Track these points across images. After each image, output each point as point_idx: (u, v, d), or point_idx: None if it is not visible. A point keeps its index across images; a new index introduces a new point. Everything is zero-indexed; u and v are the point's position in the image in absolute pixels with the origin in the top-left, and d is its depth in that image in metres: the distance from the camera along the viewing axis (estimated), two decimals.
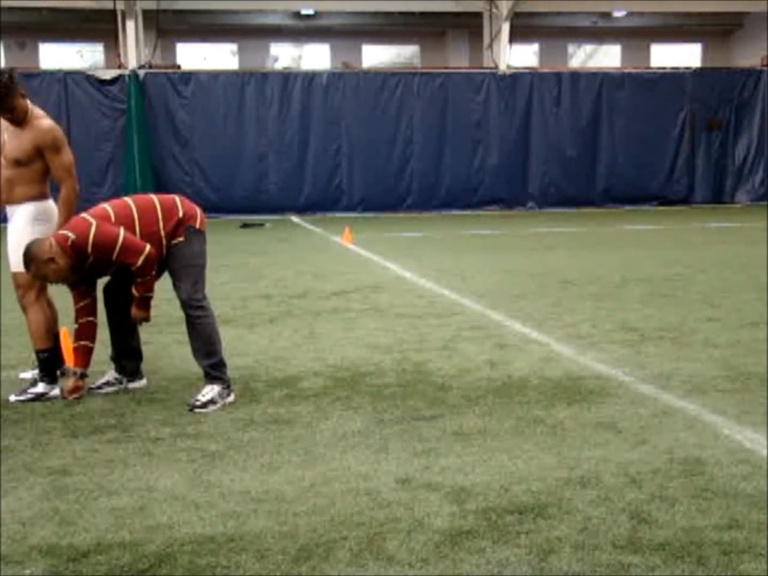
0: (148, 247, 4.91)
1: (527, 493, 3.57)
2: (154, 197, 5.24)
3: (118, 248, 4.86)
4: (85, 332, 5.21)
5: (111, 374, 5.42)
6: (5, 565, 3.01)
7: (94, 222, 4.91)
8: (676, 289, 8.87)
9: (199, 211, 5.29)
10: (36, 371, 5.42)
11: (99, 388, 5.33)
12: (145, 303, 5.08)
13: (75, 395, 5.16)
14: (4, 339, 6.89)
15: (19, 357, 6.28)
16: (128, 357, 5.42)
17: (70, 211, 5.21)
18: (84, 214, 5.01)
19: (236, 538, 3.18)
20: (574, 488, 3.61)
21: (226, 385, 5.05)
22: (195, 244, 5.12)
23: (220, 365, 5.08)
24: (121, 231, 4.90)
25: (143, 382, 5.45)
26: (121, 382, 5.38)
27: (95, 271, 5.12)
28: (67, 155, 5.26)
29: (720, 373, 5.50)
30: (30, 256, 4.90)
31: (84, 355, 5.21)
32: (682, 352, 6.12)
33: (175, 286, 5.10)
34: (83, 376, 5.21)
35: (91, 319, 5.21)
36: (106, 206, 5.09)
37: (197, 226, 5.16)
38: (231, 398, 5.02)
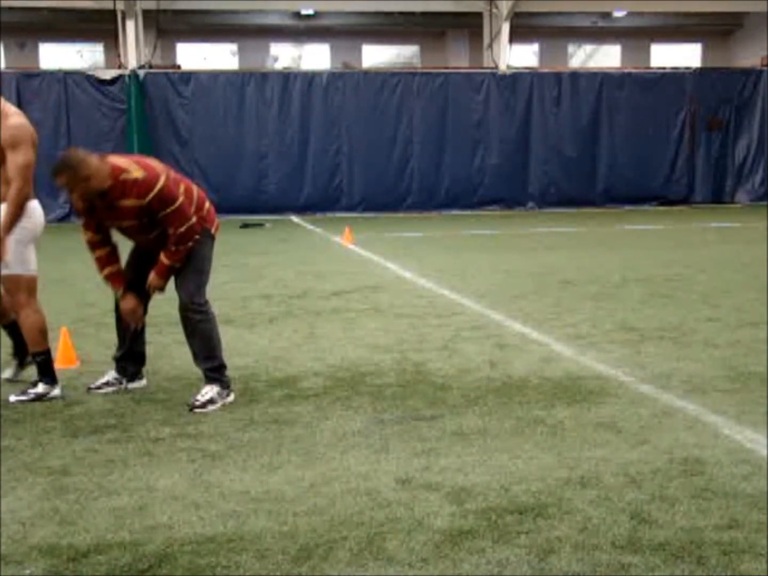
0: (195, 218, 4.91)
1: (527, 493, 3.57)
2: (192, 183, 5.20)
3: (172, 208, 4.82)
4: (109, 258, 5.12)
5: (111, 374, 5.39)
6: (5, 565, 3.01)
7: (163, 175, 4.86)
8: (676, 289, 8.87)
9: (216, 217, 5.29)
10: (16, 370, 5.44)
11: (98, 388, 5.31)
12: (168, 273, 4.99)
13: (136, 315, 5.17)
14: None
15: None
16: (132, 360, 5.40)
17: (11, 215, 4.91)
18: (152, 162, 4.98)
19: (236, 538, 3.18)
20: (574, 488, 3.61)
21: (226, 386, 5.04)
22: (206, 248, 5.09)
23: (220, 368, 5.06)
24: (181, 195, 4.89)
25: (143, 382, 5.43)
26: (120, 383, 5.35)
27: (127, 217, 4.90)
28: (24, 156, 4.93)
29: (720, 373, 5.50)
30: (69, 163, 4.71)
31: (118, 277, 5.12)
32: (682, 352, 6.12)
33: (178, 286, 5.05)
34: (126, 292, 5.13)
35: (108, 249, 5.11)
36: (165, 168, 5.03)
37: (212, 230, 5.16)
38: (231, 398, 5.02)
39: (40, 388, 5.16)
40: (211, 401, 4.90)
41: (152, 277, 5.01)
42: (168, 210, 4.83)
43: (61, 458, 4.09)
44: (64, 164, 4.74)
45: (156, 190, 4.79)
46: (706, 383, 5.26)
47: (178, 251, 4.92)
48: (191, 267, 5.01)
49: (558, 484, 3.66)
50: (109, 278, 5.13)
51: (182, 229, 4.86)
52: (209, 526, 3.30)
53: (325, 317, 7.66)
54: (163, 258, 4.94)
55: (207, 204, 5.18)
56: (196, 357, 5.07)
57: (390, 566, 2.96)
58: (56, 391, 5.19)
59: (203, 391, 4.97)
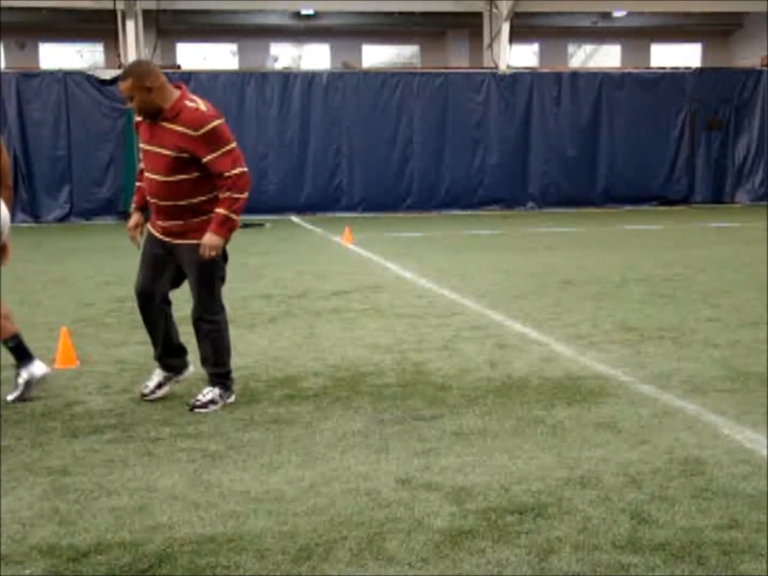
0: (246, 169, 4.68)
1: (527, 493, 3.57)
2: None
3: (227, 149, 4.58)
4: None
5: (159, 374, 5.14)
6: (5, 565, 3.01)
7: (224, 121, 4.69)
8: (676, 289, 8.87)
9: None
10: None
11: (152, 392, 5.07)
12: (226, 227, 4.68)
13: (135, 231, 4.99)
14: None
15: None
16: (174, 355, 5.15)
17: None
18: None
19: (236, 538, 3.18)
20: (574, 488, 3.61)
21: (228, 389, 5.00)
22: (225, 248, 4.88)
23: (227, 375, 5.00)
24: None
25: (191, 369, 5.22)
26: (170, 379, 5.14)
27: (168, 145, 4.63)
28: None
29: (720, 373, 5.50)
30: (137, 70, 4.63)
31: (139, 197, 5.02)
32: (682, 352, 6.12)
33: (191, 290, 4.91)
34: (139, 209, 5.01)
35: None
36: None
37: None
38: (232, 399, 5.00)
39: (24, 374, 5.09)
40: (212, 401, 4.86)
41: (207, 236, 4.67)
42: (221, 150, 4.58)
43: (61, 458, 4.09)
44: (131, 69, 4.65)
45: (212, 124, 4.57)
46: (706, 383, 5.26)
47: (235, 200, 4.64)
48: (203, 273, 4.83)
49: (558, 484, 3.66)
50: (135, 194, 5.03)
51: (236, 171, 4.61)
52: (209, 526, 3.30)
53: (325, 317, 7.66)
54: (219, 210, 4.63)
55: None
56: (205, 361, 4.99)
57: (390, 566, 2.96)
58: (38, 369, 5.10)
59: (205, 391, 4.94)
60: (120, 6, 20.28)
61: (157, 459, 4.07)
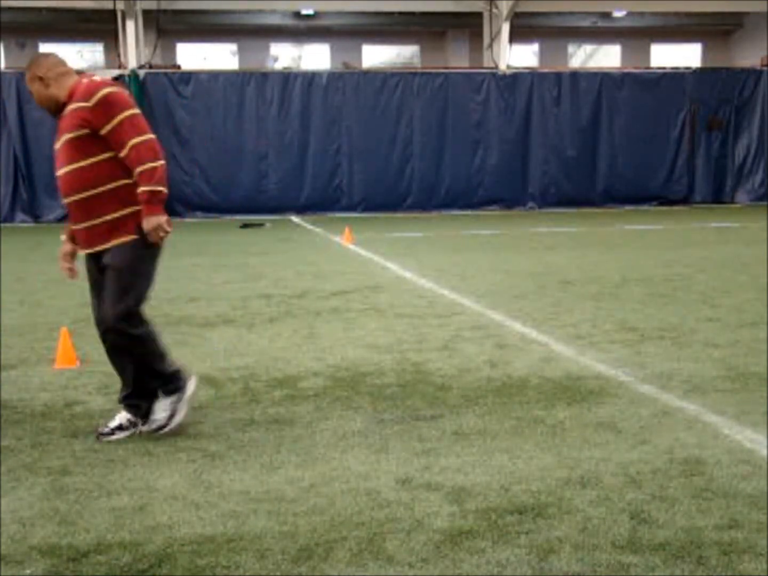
0: (154, 136, 4.15)
1: (527, 493, 3.57)
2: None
3: (124, 114, 4.09)
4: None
5: (122, 416, 4.43)
6: (5, 565, 3.01)
7: (123, 90, 4.22)
8: (676, 289, 8.87)
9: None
10: None
11: (111, 433, 4.35)
12: (156, 201, 4.13)
13: (65, 259, 4.49)
14: (4, 339, 6.89)
15: (19, 356, 6.28)
16: (144, 397, 4.44)
17: None
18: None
19: (236, 538, 3.18)
20: (574, 488, 3.61)
21: (180, 389, 4.38)
22: (140, 257, 4.27)
23: (170, 377, 4.38)
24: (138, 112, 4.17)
25: (193, 382, 4.56)
26: (135, 425, 4.41)
27: (67, 129, 4.22)
28: None
29: (720, 373, 5.50)
30: (32, 63, 4.32)
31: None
32: (682, 352, 6.12)
33: (107, 294, 4.25)
34: (71, 238, 4.46)
35: None
36: None
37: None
38: (189, 392, 4.40)
39: None
40: (172, 416, 4.33)
41: (145, 222, 4.15)
42: (120, 117, 4.07)
43: (61, 458, 4.09)
44: (29, 62, 4.34)
45: (105, 91, 4.11)
46: (706, 383, 5.26)
47: (153, 169, 4.09)
48: (117, 281, 4.21)
49: (558, 484, 3.66)
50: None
51: (141, 138, 4.08)
52: (209, 526, 3.30)
53: (325, 317, 7.66)
54: (142, 188, 4.11)
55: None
56: (126, 384, 4.35)
57: (390, 566, 2.96)
58: None
59: (156, 407, 4.35)
60: (120, 6, 20.29)
61: (157, 459, 4.07)
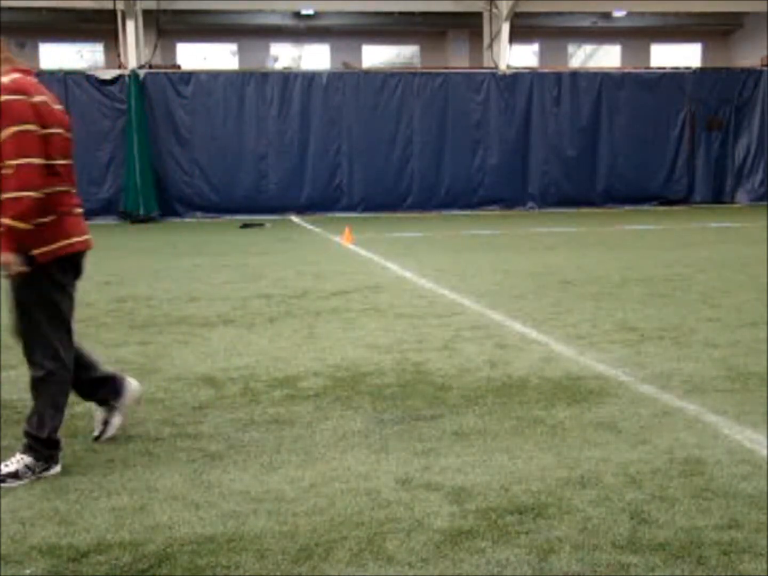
0: (38, 162, 3.60)
1: (527, 493, 3.57)
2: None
3: (11, 129, 3.59)
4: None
5: (99, 412, 4.37)
6: (5, 565, 3.01)
7: (24, 95, 3.68)
8: (676, 289, 8.87)
9: (79, 233, 3.91)
10: None
11: (103, 432, 4.34)
12: (7, 237, 3.60)
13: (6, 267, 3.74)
14: (4, 339, 6.88)
15: (19, 356, 6.26)
16: (99, 387, 4.33)
17: None
18: (34, 85, 3.84)
19: (236, 538, 3.18)
20: (574, 488, 3.61)
21: (46, 459, 3.89)
22: (42, 286, 3.80)
23: (44, 442, 3.88)
24: (35, 126, 3.64)
25: (133, 384, 4.43)
26: (114, 409, 4.34)
27: None
28: None
29: (720, 373, 5.50)
30: None
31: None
32: (682, 352, 6.12)
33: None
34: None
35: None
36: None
37: (57, 255, 3.80)
38: (54, 470, 3.89)
39: None
40: (14, 474, 3.79)
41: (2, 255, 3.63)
42: (6, 132, 3.59)
43: (61, 458, 4.08)
44: None
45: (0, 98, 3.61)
46: (706, 383, 5.26)
47: (15, 200, 3.56)
48: (19, 303, 3.82)
49: (558, 484, 3.66)
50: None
51: (18, 161, 3.57)
52: (209, 526, 3.30)
53: (325, 317, 7.66)
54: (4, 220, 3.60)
55: (69, 207, 3.84)
56: (30, 415, 3.96)
57: (390, 566, 2.96)
58: None
59: (11, 459, 3.85)
60: (120, 6, 20.29)
61: (157, 459, 4.07)
